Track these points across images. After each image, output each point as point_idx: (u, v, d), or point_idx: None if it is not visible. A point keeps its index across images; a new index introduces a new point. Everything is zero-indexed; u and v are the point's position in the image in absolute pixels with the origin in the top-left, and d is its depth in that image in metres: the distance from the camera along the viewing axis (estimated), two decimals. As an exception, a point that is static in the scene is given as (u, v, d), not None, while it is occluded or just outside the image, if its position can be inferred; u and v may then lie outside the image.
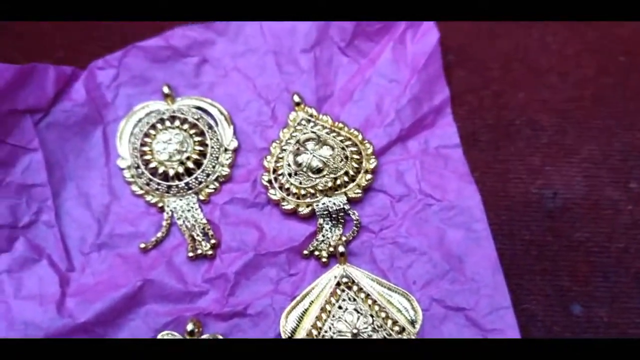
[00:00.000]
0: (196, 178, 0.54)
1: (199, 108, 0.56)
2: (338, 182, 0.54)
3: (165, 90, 0.56)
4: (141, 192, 0.55)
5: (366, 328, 0.50)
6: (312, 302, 0.51)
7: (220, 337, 0.51)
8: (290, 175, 0.54)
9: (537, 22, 0.61)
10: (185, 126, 0.56)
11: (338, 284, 0.52)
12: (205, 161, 0.55)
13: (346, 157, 0.54)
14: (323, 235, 0.53)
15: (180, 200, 0.54)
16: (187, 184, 0.54)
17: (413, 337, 0.50)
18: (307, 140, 0.54)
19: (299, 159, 0.54)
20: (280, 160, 0.54)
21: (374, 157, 0.54)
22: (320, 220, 0.54)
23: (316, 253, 0.53)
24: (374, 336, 0.50)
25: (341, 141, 0.54)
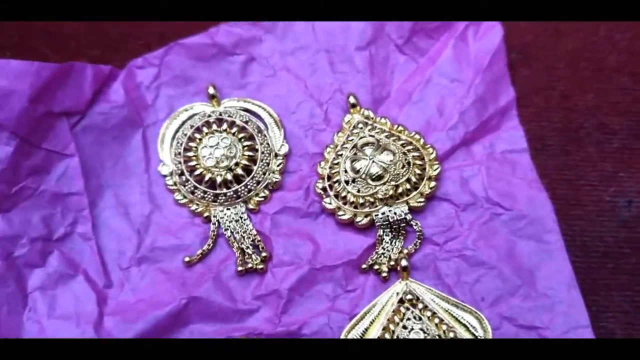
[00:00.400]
0: (246, 185, 0.51)
1: (246, 110, 0.53)
2: (399, 190, 0.50)
3: (211, 90, 0.52)
4: (185, 200, 0.51)
5: (434, 350, 0.46)
6: (373, 321, 0.48)
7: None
8: (347, 182, 0.50)
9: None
10: (233, 130, 0.52)
11: (401, 301, 0.48)
12: (255, 167, 0.51)
13: (408, 163, 0.50)
14: (383, 248, 0.50)
15: (228, 209, 0.51)
16: (235, 191, 0.51)
17: None
18: (366, 144, 0.51)
19: (357, 165, 0.50)
20: (336, 166, 0.51)
21: (437, 162, 0.51)
22: (380, 232, 0.50)
23: (375, 267, 0.50)
24: (443, 358, 0.46)
25: (402, 146, 0.51)
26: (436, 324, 0.47)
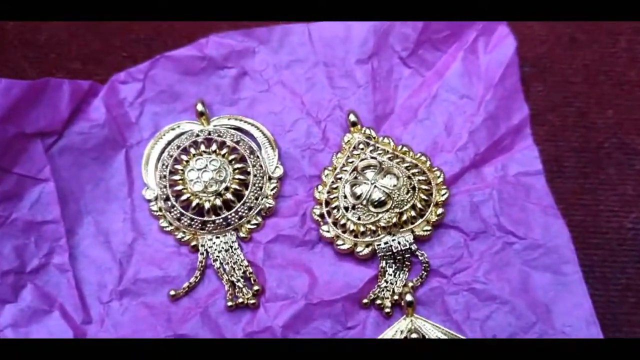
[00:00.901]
0: (236, 212, 0.47)
1: (238, 129, 0.50)
2: (404, 217, 0.47)
3: (199, 107, 0.49)
4: (171, 227, 0.48)
5: (441, 394, 0.43)
6: (375, 361, 0.44)
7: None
8: (346, 209, 0.47)
9: (625, 29, 0.54)
10: (223, 151, 0.49)
11: None
12: (246, 192, 0.48)
13: (413, 188, 0.47)
14: (386, 281, 0.47)
15: (218, 238, 0.48)
16: (225, 219, 0.47)
17: None
18: (367, 167, 0.48)
19: (358, 190, 0.47)
20: (334, 191, 0.48)
21: (444, 187, 0.47)
22: (383, 263, 0.47)
23: (378, 302, 0.47)
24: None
25: (406, 169, 0.48)
26: (444, 366, 0.44)
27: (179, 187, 0.48)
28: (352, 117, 0.49)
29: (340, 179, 0.48)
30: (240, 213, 0.48)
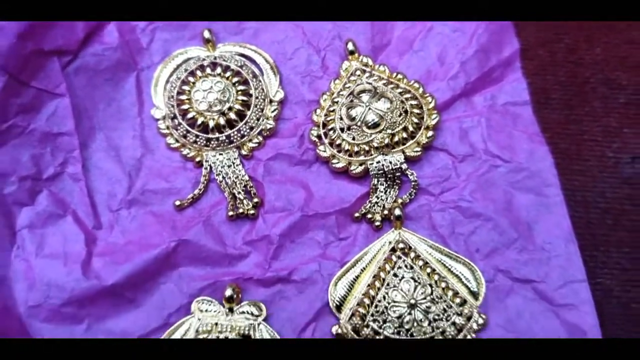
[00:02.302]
0: (238, 130, 0.50)
1: (242, 55, 0.52)
2: (395, 138, 0.49)
3: (206, 34, 0.51)
4: (177, 144, 0.50)
5: (424, 299, 0.46)
6: (364, 269, 0.47)
7: (262, 304, 0.46)
8: (342, 130, 0.49)
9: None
10: (227, 74, 0.51)
11: (393, 250, 0.47)
12: (248, 112, 0.50)
13: (405, 112, 0.49)
14: (377, 197, 0.49)
15: (221, 154, 0.50)
16: (228, 136, 0.50)
17: (475, 311, 0.45)
18: (362, 91, 0.49)
19: (353, 112, 0.49)
20: (331, 113, 0.50)
21: (435, 112, 0.49)
22: (374, 181, 0.49)
23: (369, 216, 0.49)
24: (433, 308, 0.45)
25: (400, 94, 0.49)
26: (428, 274, 0.46)
27: (186, 107, 0.50)
28: (350, 46, 0.51)
29: (337, 102, 0.50)
30: (242, 132, 0.50)
